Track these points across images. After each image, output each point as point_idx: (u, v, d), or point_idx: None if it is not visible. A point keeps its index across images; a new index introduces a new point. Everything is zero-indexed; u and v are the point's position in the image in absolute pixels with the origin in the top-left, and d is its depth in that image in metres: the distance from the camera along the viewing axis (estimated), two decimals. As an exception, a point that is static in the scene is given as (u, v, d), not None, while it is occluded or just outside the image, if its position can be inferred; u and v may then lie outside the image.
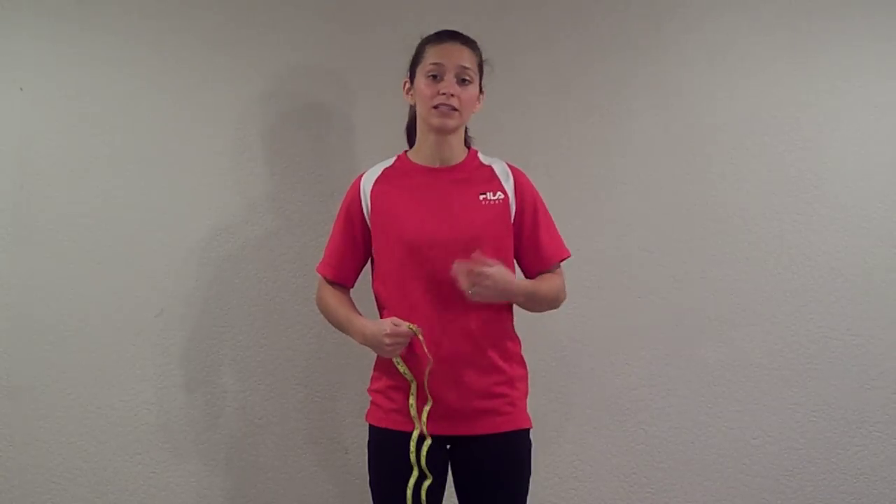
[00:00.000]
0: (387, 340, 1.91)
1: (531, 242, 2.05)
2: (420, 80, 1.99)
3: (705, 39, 2.59)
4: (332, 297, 2.08)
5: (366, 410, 2.05)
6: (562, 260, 2.09)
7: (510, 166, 2.07)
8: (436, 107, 1.96)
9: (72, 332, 2.48)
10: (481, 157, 2.08)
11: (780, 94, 2.58)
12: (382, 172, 2.07)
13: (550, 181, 2.43)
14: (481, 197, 2.00)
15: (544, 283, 2.04)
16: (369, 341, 1.96)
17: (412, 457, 1.91)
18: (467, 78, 1.98)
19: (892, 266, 2.56)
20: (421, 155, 2.05)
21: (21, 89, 2.49)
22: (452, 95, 1.96)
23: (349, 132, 2.54)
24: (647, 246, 2.56)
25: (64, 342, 2.48)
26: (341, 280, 2.09)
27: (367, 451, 2.03)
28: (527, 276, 2.09)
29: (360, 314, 2.05)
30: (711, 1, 2.60)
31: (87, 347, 2.48)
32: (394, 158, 2.09)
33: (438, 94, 1.96)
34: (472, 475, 1.97)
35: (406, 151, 2.10)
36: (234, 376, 2.50)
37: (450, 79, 1.97)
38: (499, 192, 2.01)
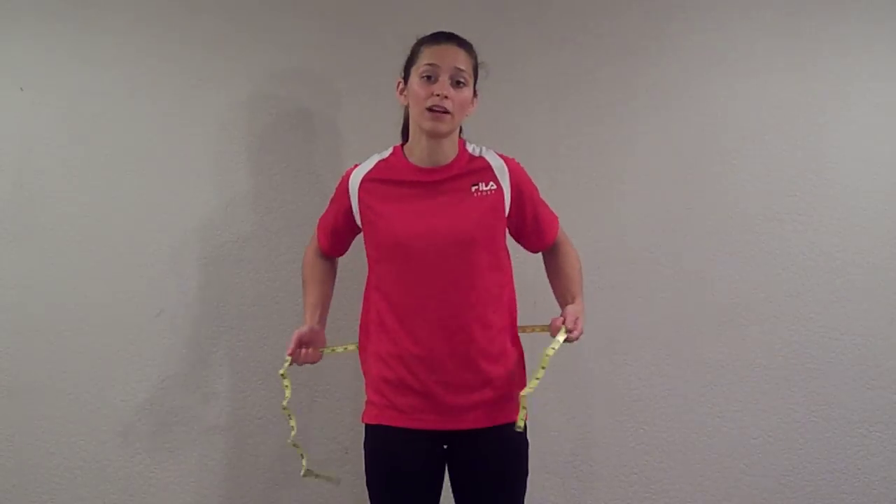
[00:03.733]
0: (290, 346, 2.00)
1: (533, 226, 2.08)
2: (414, 80, 1.97)
3: (706, 41, 2.59)
4: (314, 264, 2.17)
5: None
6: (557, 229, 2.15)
7: (502, 157, 2.05)
8: (429, 109, 1.94)
9: (72, 332, 2.48)
10: (471, 147, 2.05)
11: (780, 94, 2.58)
12: (375, 166, 2.05)
13: (552, 181, 2.44)
14: (473, 188, 1.99)
15: (577, 278, 2.11)
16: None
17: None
18: (462, 80, 1.96)
19: (893, 266, 2.56)
20: (414, 155, 2.03)
21: (21, 89, 2.49)
22: (446, 97, 1.94)
23: (349, 132, 2.53)
24: (647, 246, 2.56)
25: (64, 342, 2.48)
26: (331, 252, 2.17)
27: (362, 460, 2.03)
28: (530, 250, 2.15)
29: (318, 306, 2.11)
30: (712, 3, 2.60)
31: (87, 347, 2.48)
32: (390, 150, 2.08)
33: (432, 95, 1.94)
34: (468, 472, 1.97)
35: (402, 145, 2.08)
36: (235, 376, 2.51)
37: (444, 80, 1.94)
38: (491, 183, 2.00)
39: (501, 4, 2.57)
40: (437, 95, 1.93)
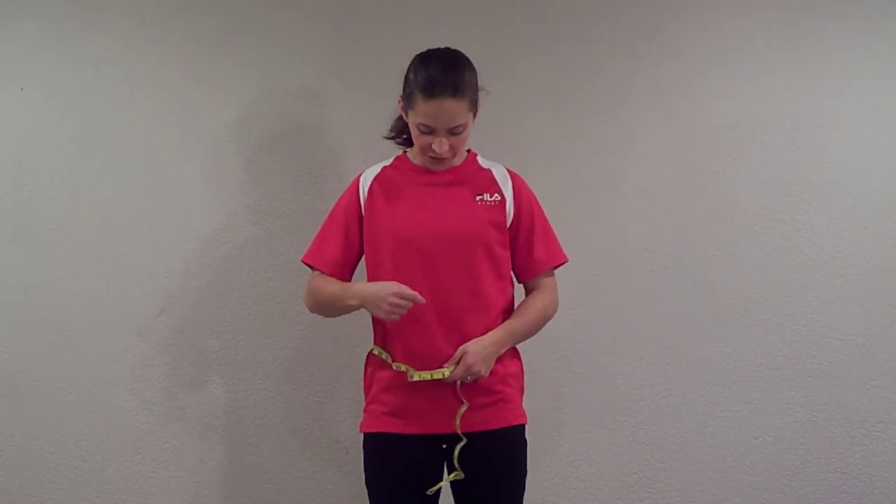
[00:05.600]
0: (390, 299, 1.85)
1: (524, 248, 2.04)
2: (412, 123, 1.95)
3: (706, 41, 2.59)
4: (322, 278, 2.03)
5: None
6: (556, 266, 2.07)
7: (509, 171, 2.06)
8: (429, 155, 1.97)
9: (72, 332, 2.48)
10: (480, 160, 2.07)
11: (780, 94, 2.58)
12: (381, 171, 2.07)
13: (551, 182, 2.44)
14: (478, 198, 2.00)
15: (520, 318, 2.01)
16: (369, 301, 1.91)
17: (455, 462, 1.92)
18: (459, 128, 1.93)
19: (893, 266, 2.56)
20: (418, 159, 2.04)
21: (21, 89, 2.49)
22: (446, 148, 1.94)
23: (349, 133, 2.53)
24: (647, 246, 2.56)
25: (64, 342, 2.48)
26: (339, 275, 2.04)
27: (362, 460, 2.03)
28: (519, 280, 2.08)
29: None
30: (712, 3, 2.60)
31: (87, 347, 2.48)
32: (392, 158, 2.09)
33: (430, 147, 1.93)
34: (468, 473, 1.97)
35: (405, 152, 2.09)
36: (234, 376, 2.51)
37: (441, 138, 1.92)
38: (496, 195, 2.01)
39: (502, 4, 2.57)
40: (435, 150, 1.93)
